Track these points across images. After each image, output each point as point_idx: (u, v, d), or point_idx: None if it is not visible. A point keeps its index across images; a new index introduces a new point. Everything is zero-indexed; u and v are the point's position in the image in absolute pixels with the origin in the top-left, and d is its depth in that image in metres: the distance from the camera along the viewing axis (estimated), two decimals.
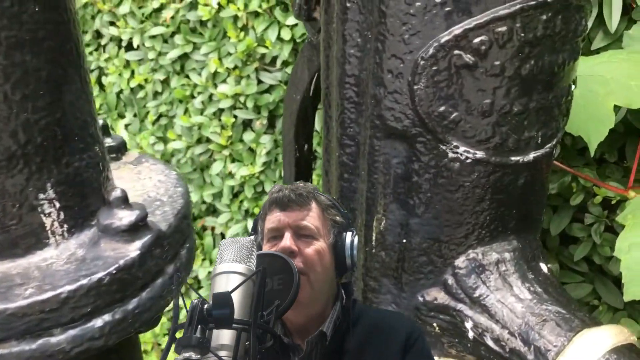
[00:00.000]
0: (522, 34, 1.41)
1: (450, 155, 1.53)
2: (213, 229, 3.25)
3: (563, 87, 1.55)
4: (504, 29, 1.40)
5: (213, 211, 3.24)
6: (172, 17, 3.02)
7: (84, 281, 1.09)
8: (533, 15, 1.40)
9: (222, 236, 3.21)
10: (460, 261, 1.65)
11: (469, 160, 1.53)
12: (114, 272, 1.11)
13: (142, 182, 1.54)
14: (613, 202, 2.03)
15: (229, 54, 2.91)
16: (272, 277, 1.04)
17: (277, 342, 1.11)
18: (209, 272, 3.26)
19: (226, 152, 3.06)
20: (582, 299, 2.28)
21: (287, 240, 1.14)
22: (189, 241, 1.46)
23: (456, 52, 1.42)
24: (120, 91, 3.26)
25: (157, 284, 1.25)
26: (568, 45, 1.49)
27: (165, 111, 3.17)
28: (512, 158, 1.55)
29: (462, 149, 1.52)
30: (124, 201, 1.20)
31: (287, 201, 1.17)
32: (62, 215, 1.16)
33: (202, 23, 2.98)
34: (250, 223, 3.08)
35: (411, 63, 1.47)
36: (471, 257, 1.64)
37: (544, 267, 1.69)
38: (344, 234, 1.20)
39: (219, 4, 2.85)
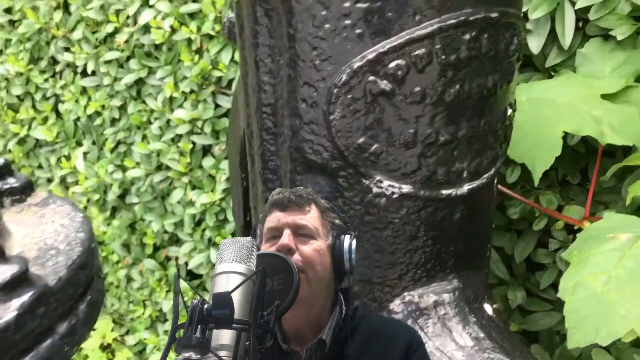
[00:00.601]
0: (443, 56, 1.27)
1: (375, 190, 1.39)
2: (177, 258, 3.12)
3: (497, 111, 1.41)
4: (421, 51, 1.26)
5: (176, 240, 3.11)
6: (126, 42, 2.91)
7: None
8: (454, 35, 1.27)
9: (186, 266, 3.08)
10: (396, 305, 1.50)
11: (395, 196, 1.39)
12: None
13: (42, 227, 1.43)
14: (576, 227, 1.89)
15: (185, 77, 2.79)
16: (272, 277, 1.05)
17: (275, 347, 1.12)
18: None
19: (186, 179, 2.94)
20: (552, 327, 2.14)
21: (286, 238, 1.14)
22: (92, 293, 1.34)
23: (371, 78, 1.29)
24: (78, 118, 3.16)
25: (43, 347, 1.15)
26: (499, 66, 1.35)
27: (123, 138, 3.06)
28: (444, 191, 1.41)
29: (386, 183, 1.38)
30: None
31: (286, 202, 1.18)
32: None
33: (157, 47, 2.87)
34: (213, 252, 2.96)
35: (325, 91, 1.33)
36: (407, 300, 1.49)
37: (488, 308, 1.54)
38: (343, 236, 1.19)
39: (171, 27, 2.74)
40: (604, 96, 1.73)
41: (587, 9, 1.79)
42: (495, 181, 1.53)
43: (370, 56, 1.27)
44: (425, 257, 1.47)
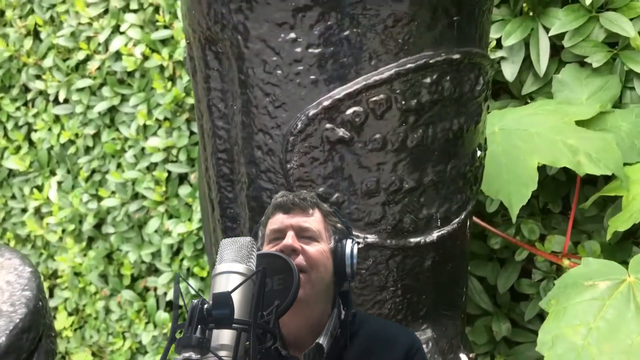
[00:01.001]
0: (403, 102, 1.20)
1: None
2: (155, 289, 3.04)
3: (465, 154, 1.33)
4: (380, 97, 1.19)
5: (154, 270, 3.03)
6: (98, 69, 2.84)
7: None
8: (413, 79, 1.19)
9: (165, 296, 3.00)
10: None
11: (360, 246, 1.31)
12: None
13: None
14: (559, 256, 1.82)
15: (158, 105, 2.72)
16: (272, 277, 1.04)
17: (275, 353, 1.12)
18: (154, 336, 3.05)
19: (162, 209, 2.85)
20: (539, 359, 2.06)
21: (290, 239, 1.13)
22: (40, 356, 1.27)
23: (328, 125, 1.21)
24: (51, 147, 3.07)
25: None
26: (464, 108, 1.27)
27: (97, 167, 2.97)
28: (412, 240, 1.33)
29: None
30: None
31: (290, 204, 1.17)
32: None
33: (130, 74, 2.79)
34: (192, 282, 2.88)
35: (280, 138, 1.26)
36: None
37: (464, 357, 1.46)
38: (345, 241, 1.18)
39: (143, 54, 2.67)
40: (579, 123, 1.67)
41: (561, 36, 1.72)
42: (468, 224, 1.45)
43: (326, 103, 1.19)
44: (396, 307, 1.39)
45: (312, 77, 1.19)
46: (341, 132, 1.21)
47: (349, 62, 1.17)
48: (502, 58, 1.80)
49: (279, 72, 1.20)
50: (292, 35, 1.17)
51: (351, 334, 1.19)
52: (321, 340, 1.15)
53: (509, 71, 1.80)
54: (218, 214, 1.46)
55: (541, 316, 2.03)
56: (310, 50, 1.17)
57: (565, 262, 1.55)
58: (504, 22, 1.81)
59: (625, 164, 1.61)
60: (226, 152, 1.37)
